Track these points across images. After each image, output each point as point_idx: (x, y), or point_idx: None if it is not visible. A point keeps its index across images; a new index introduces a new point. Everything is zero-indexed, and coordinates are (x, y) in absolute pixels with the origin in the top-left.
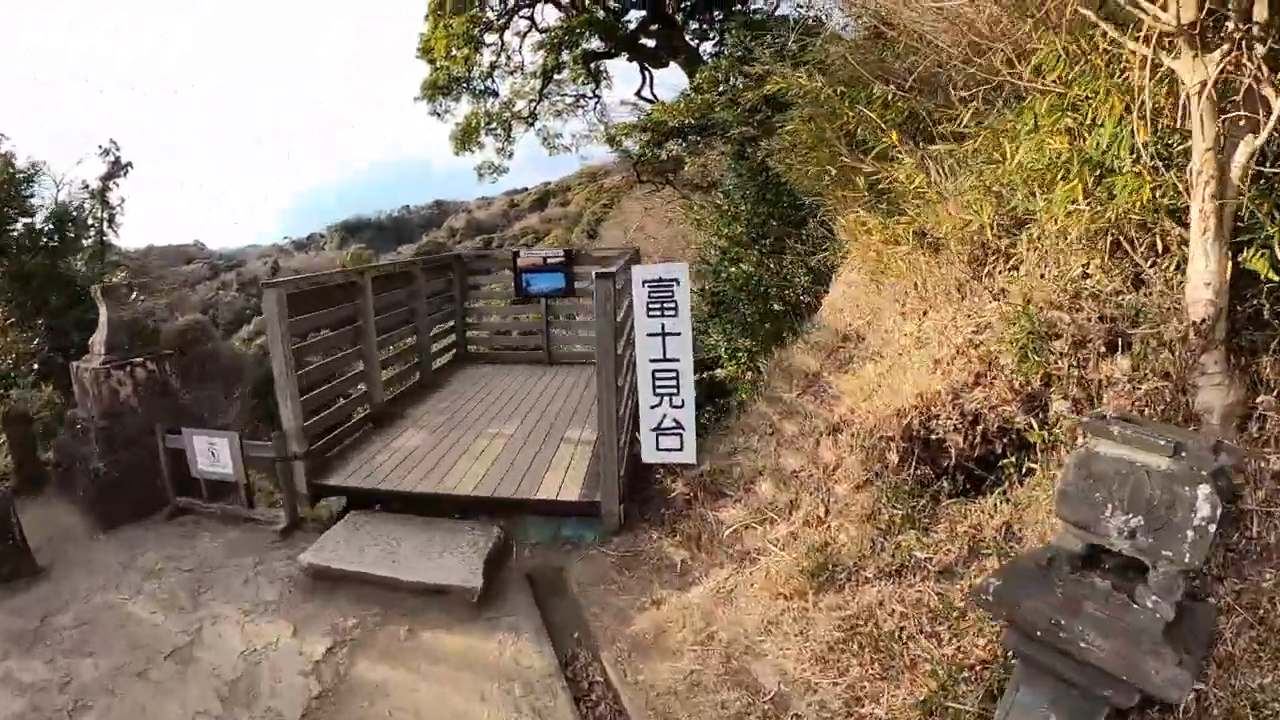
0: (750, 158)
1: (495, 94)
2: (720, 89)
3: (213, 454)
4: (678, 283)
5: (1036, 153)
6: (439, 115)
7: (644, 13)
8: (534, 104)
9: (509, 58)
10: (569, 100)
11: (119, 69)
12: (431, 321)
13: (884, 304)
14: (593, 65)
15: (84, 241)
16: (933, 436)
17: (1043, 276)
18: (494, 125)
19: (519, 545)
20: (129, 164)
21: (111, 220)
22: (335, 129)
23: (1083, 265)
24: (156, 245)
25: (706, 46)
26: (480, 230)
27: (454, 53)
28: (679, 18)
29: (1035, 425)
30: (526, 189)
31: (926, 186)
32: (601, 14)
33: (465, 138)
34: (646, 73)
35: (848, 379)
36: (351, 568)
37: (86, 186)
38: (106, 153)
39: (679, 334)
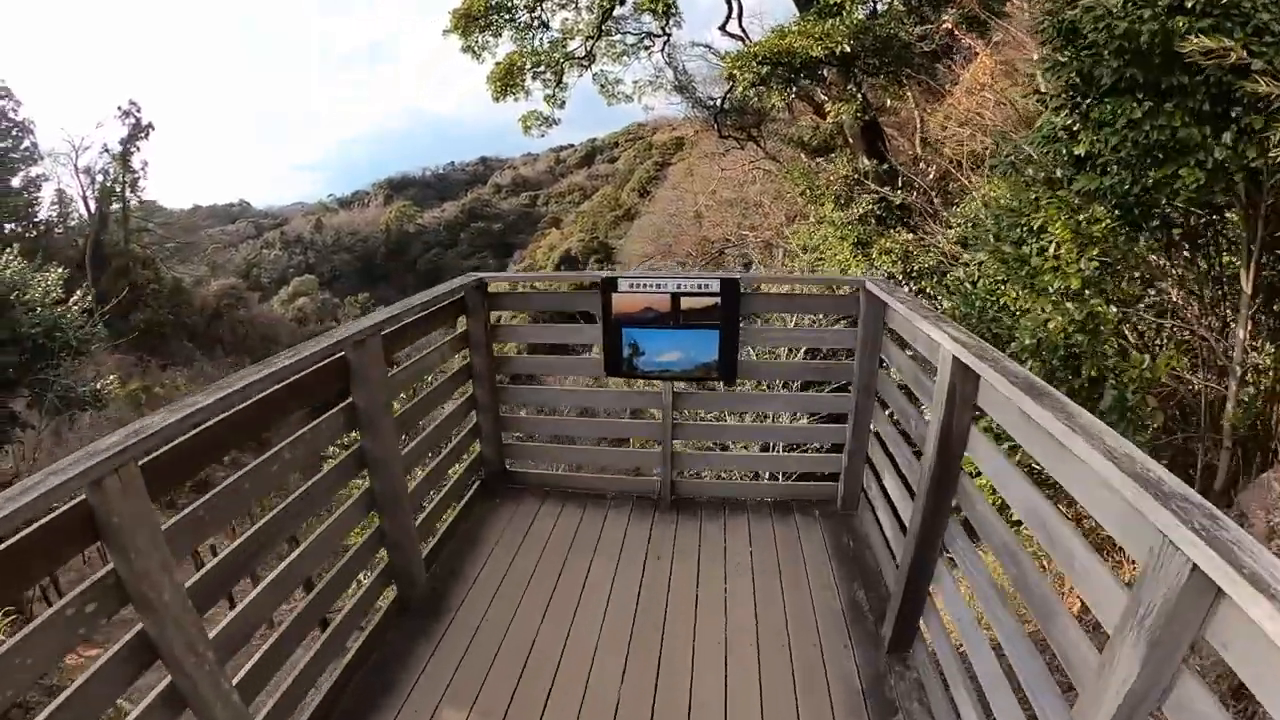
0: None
1: (546, 26)
2: None
3: None
4: None
5: None
6: (474, 53)
7: None
8: (591, 42)
9: None
10: (631, 40)
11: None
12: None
13: None
14: None
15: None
16: None
17: None
18: (542, 67)
19: None
20: (150, 125)
21: (134, 185)
22: (385, 78)
23: None
24: (202, 205)
25: None
26: (526, 186)
27: None
28: None
29: None
30: (573, 145)
31: None
32: None
33: (507, 81)
34: (735, 2)
35: None
36: None
37: (107, 150)
38: (126, 114)
39: None
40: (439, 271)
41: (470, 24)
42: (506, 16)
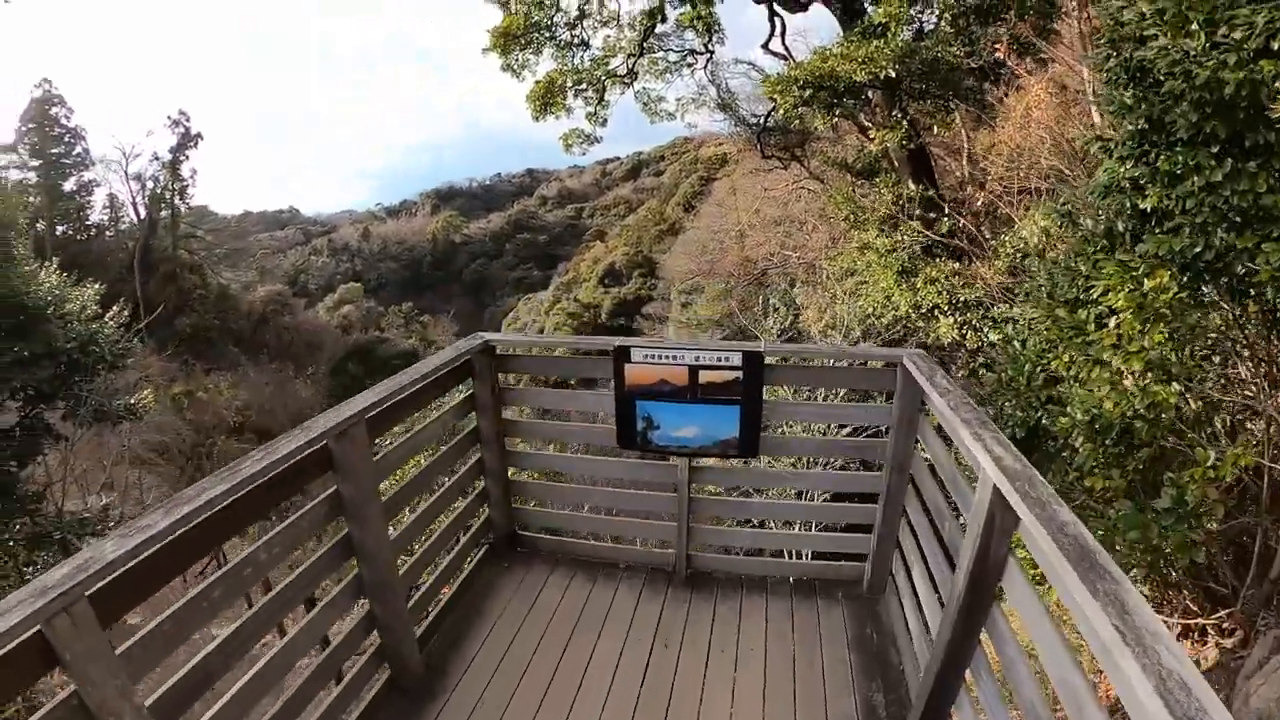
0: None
1: (586, 45)
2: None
3: None
4: None
5: None
6: (514, 71)
7: None
8: (633, 60)
9: (601, 3)
10: (674, 57)
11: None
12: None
13: None
14: (705, 13)
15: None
16: None
17: None
18: (584, 85)
19: None
20: (199, 134)
21: (183, 192)
22: (434, 88)
23: None
24: (252, 211)
25: None
26: (571, 199)
27: None
28: None
29: None
30: (619, 158)
31: None
32: None
33: (547, 99)
34: (777, 20)
35: None
36: None
37: (156, 158)
38: (176, 124)
39: None
40: (484, 282)
41: (510, 43)
42: (547, 35)
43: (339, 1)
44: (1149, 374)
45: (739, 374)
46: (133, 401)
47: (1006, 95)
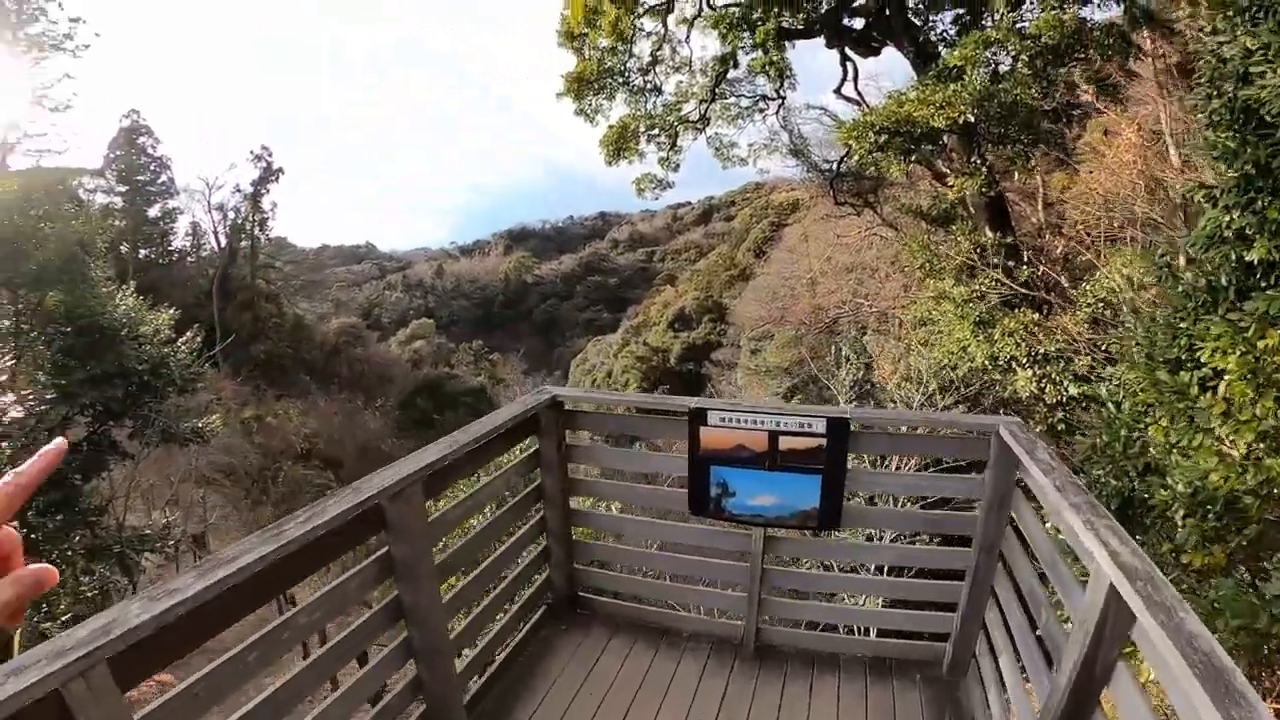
0: None
1: (658, 90)
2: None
3: None
4: None
5: None
6: (587, 116)
7: None
8: (705, 105)
9: (674, 49)
10: (745, 103)
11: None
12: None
13: None
14: (777, 58)
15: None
16: None
17: None
18: (656, 130)
19: None
20: (280, 169)
21: (263, 225)
22: (506, 128)
23: None
24: (330, 245)
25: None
26: (643, 243)
27: (601, 39)
28: None
29: None
30: (690, 203)
31: None
32: None
33: (620, 144)
34: (850, 64)
35: None
36: None
37: (239, 190)
38: (259, 158)
39: None
40: (554, 322)
41: (584, 88)
42: (620, 80)
43: (351, 8)
44: (1261, 445)
45: (822, 441)
46: (200, 425)
47: (1079, 137)
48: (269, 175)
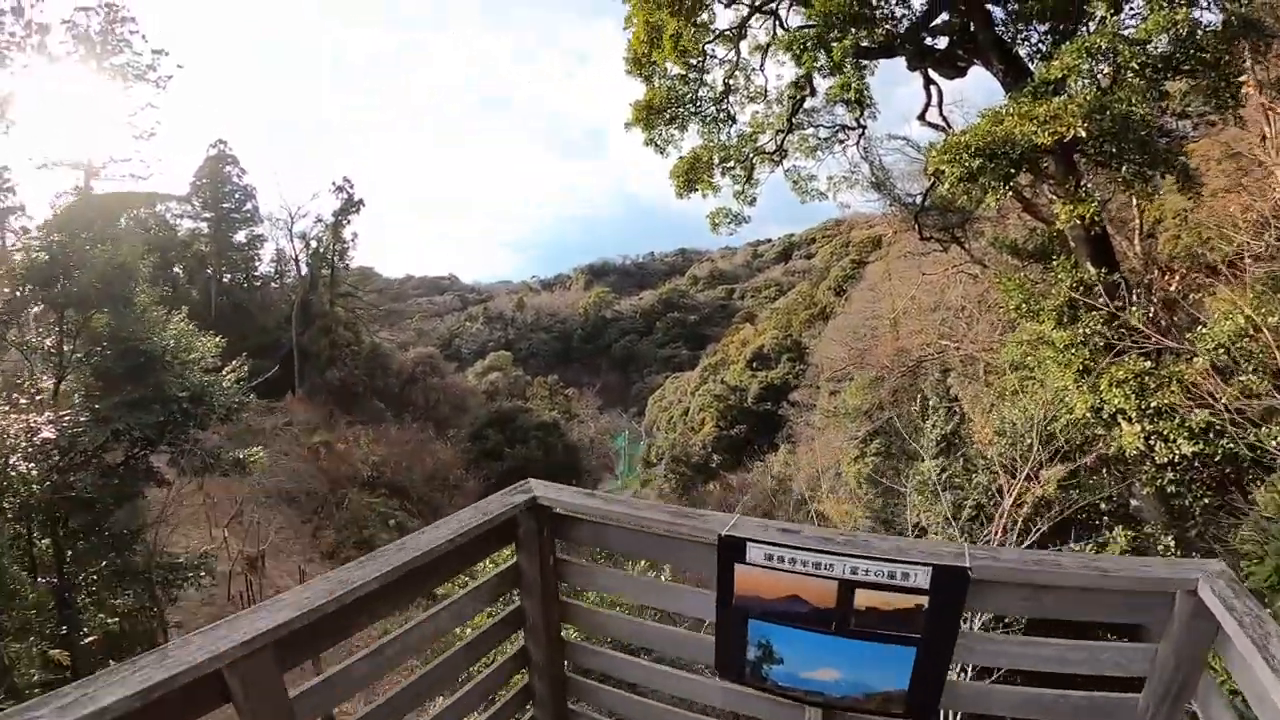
0: None
1: (732, 120)
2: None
3: None
4: None
5: None
6: (657, 147)
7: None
8: (781, 136)
9: (748, 78)
10: (824, 133)
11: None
12: None
13: None
14: (856, 81)
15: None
16: None
17: None
18: (731, 162)
19: None
20: (360, 201)
21: (344, 254)
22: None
23: None
24: (415, 275)
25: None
26: (723, 280)
27: (671, 65)
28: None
29: None
30: (770, 240)
31: None
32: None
33: (691, 176)
34: (933, 88)
35: None
36: None
37: (320, 220)
38: (340, 189)
39: None
40: (632, 358)
41: (653, 116)
42: (692, 109)
43: (354, 12)
44: None
45: (923, 600)
46: (240, 456)
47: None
48: (350, 206)
